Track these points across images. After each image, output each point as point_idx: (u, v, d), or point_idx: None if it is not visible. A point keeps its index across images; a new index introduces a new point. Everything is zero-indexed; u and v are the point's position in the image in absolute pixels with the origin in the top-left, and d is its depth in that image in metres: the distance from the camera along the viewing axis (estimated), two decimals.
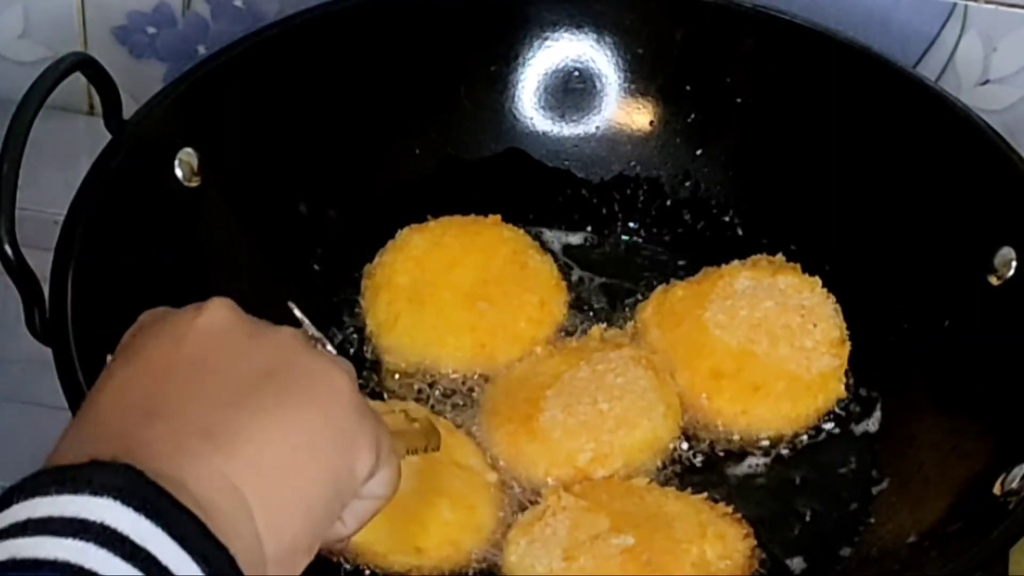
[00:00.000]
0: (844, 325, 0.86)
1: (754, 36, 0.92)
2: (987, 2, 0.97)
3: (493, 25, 0.94)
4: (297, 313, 0.67)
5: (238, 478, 0.52)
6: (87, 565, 0.47)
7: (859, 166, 0.90)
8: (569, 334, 0.88)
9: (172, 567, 0.48)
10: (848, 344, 0.86)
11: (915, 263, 0.87)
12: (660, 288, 0.89)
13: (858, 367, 0.86)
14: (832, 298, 0.87)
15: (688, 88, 0.94)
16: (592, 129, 0.96)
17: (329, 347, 0.65)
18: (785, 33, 0.91)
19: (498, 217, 0.91)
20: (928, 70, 0.98)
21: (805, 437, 0.84)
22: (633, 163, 0.95)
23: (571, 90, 0.95)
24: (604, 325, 0.88)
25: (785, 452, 0.84)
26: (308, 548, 0.55)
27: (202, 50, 1.05)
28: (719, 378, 0.84)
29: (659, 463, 0.82)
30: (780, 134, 0.93)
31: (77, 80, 0.78)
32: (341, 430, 0.56)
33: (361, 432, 0.57)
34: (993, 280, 0.83)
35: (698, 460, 0.83)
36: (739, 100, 0.93)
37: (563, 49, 0.95)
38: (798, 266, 0.88)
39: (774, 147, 0.93)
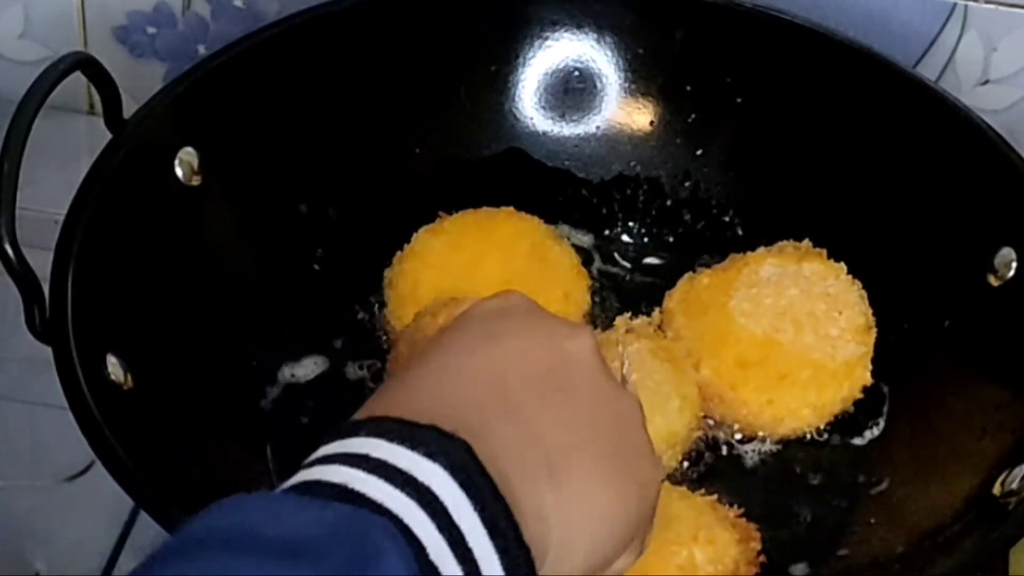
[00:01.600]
0: (870, 312, 0.86)
1: (754, 36, 0.92)
2: (987, 2, 0.97)
3: (493, 25, 0.94)
4: (624, 356, 0.68)
5: (554, 520, 0.54)
6: (407, 522, 0.48)
7: (859, 166, 0.90)
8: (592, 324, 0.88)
9: (476, 551, 0.49)
10: (874, 331, 0.85)
11: (915, 263, 0.87)
12: (686, 276, 0.89)
13: (867, 384, 0.86)
14: (858, 284, 0.86)
15: (688, 88, 0.94)
16: (592, 129, 0.96)
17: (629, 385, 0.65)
18: (785, 33, 0.91)
19: (511, 208, 0.91)
20: (928, 70, 0.98)
21: (808, 436, 0.84)
22: (633, 163, 0.95)
23: (571, 90, 0.95)
24: (629, 314, 0.88)
25: (787, 451, 0.84)
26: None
27: (202, 50, 1.05)
28: (744, 367, 0.84)
29: (680, 457, 0.82)
30: (780, 134, 0.93)
31: (77, 80, 0.78)
32: (637, 521, 0.58)
33: (646, 530, 0.59)
34: (993, 280, 0.83)
35: (714, 455, 0.83)
36: (739, 100, 0.93)
37: (563, 49, 0.95)
38: (823, 252, 0.88)
39: (774, 147, 0.93)
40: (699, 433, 0.83)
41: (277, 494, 0.49)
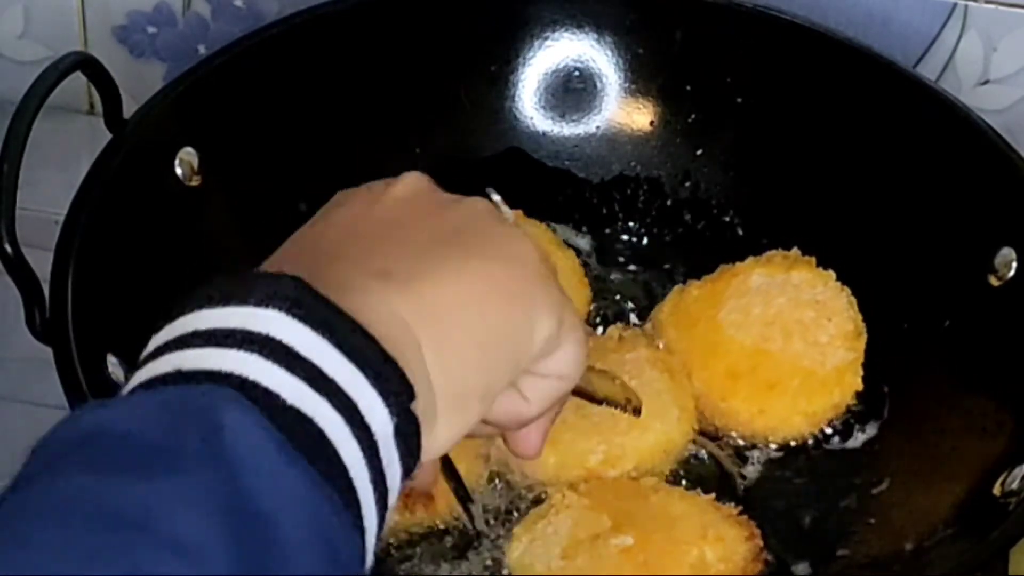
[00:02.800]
0: (859, 318, 0.86)
1: (754, 36, 0.92)
2: (987, 2, 0.97)
3: (493, 25, 0.94)
4: (494, 196, 0.65)
5: (411, 315, 0.51)
6: (251, 376, 0.46)
7: (859, 166, 0.90)
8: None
9: (338, 379, 0.47)
10: (864, 336, 0.85)
11: (915, 263, 0.87)
12: (676, 288, 0.89)
13: (859, 390, 0.86)
14: (847, 291, 0.86)
15: (688, 88, 0.94)
16: (592, 129, 0.96)
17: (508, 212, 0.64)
18: (785, 33, 0.91)
19: (520, 212, 0.91)
20: (928, 70, 0.98)
21: (808, 438, 0.84)
22: (633, 163, 0.95)
23: (571, 90, 0.95)
24: (622, 325, 0.88)
25: (786, 453, 0.84)
26: (481, 395, 0.53)
27: (202, 50, 1.05)
28: (735, 378, 0.84)
29: (672, 465, 0.82)
30: (780, 134, 0.93)
31: (77, 80, 0.78)
32: (522, 287, 0.55)
33: (543, 295, 0.56)
34: (993, 280, 0.83)
35: (710, 462, 0.83)
36: (739, 100, 0.93)
37: (563, 49, 0.95)
38: (812, 260, 0.88)
39: (774, 147, 0.93)
40: (694, 443, 0.83)
41: (107, 403, 0.46)
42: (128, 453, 0.43)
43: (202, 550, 0.41)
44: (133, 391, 0.47)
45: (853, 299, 0.86)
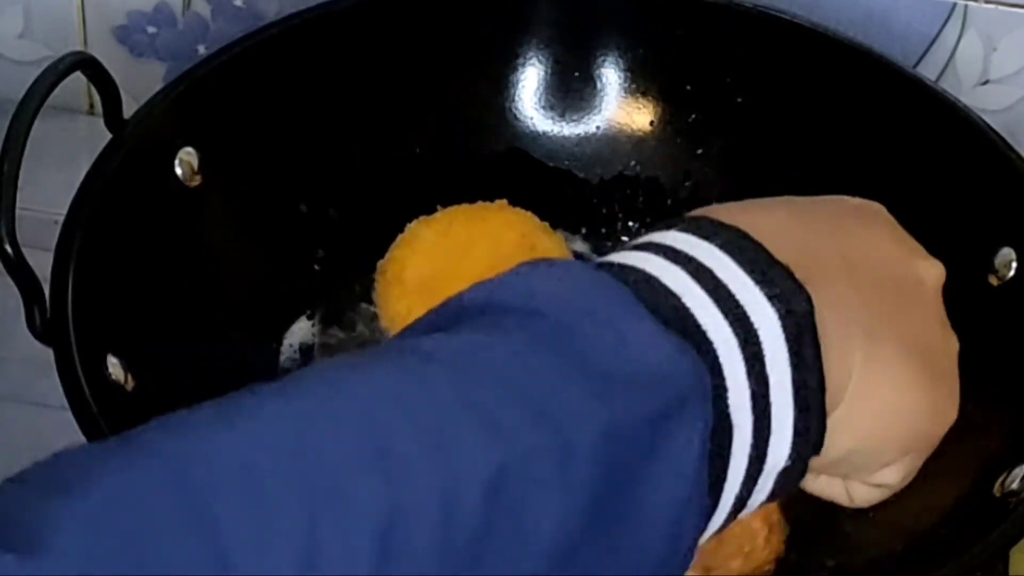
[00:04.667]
0: None
1: (754, 36, 0.92)
2: (987, 2, 0.97)
3: (493, 25, 0.94)
4: None
5: (855, 377, 0.51)
6: (724, 368, 0.47)
7: (859, 166, 0.90)
8: None
9: (775, 408, 0.48)
10: None
11: None
12: None
13: None
14: None
15: (688, 88, 0.94)
16: (592, 129, 0.96)
17: None
18: (785, 33, 0.91)
19: (504, 201, 0.91)
20: (928, 70, 0.98)
21: None
22: (633, 163, 0.95)
23: (571, 90, 0.95)
24: None
25: None
26: (816, 474, 0.55)
27: (202, 50, 1.05)
28: None
29: None
30: (780, 134, 0.93)
31: (77, 80, 0.78)
32: (918, 433, 0.57)
33: (919, 457, 0.58)
34: (993, 280, 0.83)
35: None
36: (739, 100, 0.93)
37: (563, 49, 0.95)
38: None
39: (774, 147, 0.93)
40: None
41: (612, 286, 0.47)
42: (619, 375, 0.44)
43: (577, 473, 0.42)
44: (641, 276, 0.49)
45: None
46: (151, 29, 1.05)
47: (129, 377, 0.75)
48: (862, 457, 0.55)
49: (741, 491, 0.48)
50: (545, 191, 0.95)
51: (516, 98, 0.95)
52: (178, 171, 0.84)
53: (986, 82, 0.99)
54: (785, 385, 0.48)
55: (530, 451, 0.42)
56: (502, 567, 0.41)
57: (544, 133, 0.96)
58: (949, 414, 0.57)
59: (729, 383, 0.47)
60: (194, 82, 0.85)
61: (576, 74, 0.95)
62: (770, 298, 0.48)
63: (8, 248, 0.71)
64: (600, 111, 0.96)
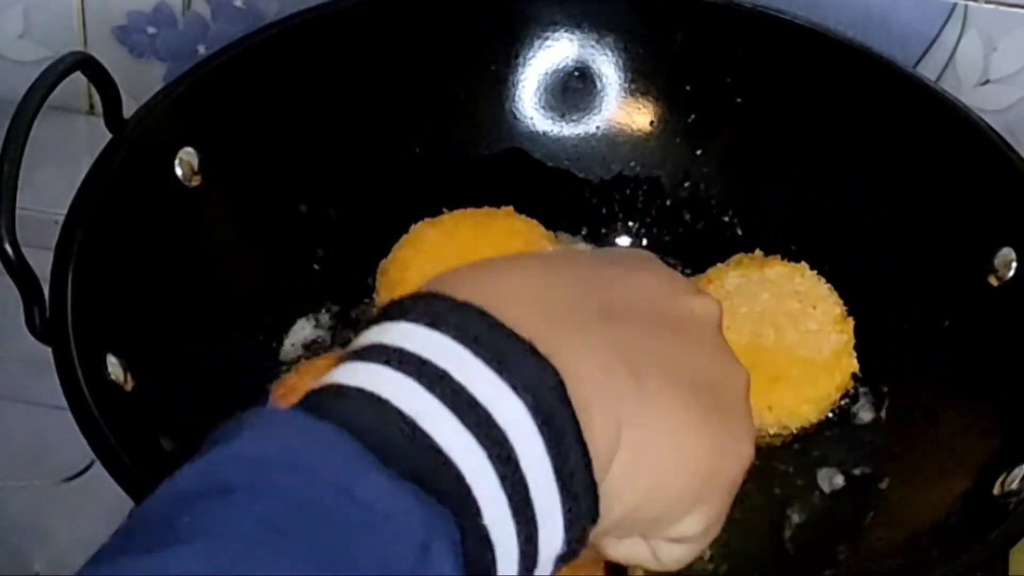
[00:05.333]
0: (842, 302, 0.86)
1: (754, 36, 0.92)
2: (987, 2, 0.97)
3: (493, 25, 0.94)
4: None
5: (625, 440, 0.48)
6: (478, 491, 0.44)
7: (859, 166, 0.90)
8: None
9: (538, 504, 0.45)
10: (851, 320, 0.86)
11: (915, 263, 0.87)
12: None
13: (855, 371, 0.86)
14: (823, 279, 0.87)
15: (688, 88, 0.94)
16: (592, 129, 0.96)
17: None
18: (785, 33, 0.91)
19: (511, 208, 0.91)
20: (928, 70, 0.98)
21: (806, 435, 0.84)
22: (633, 163, 0.95)
23: (571, 90, 0.95)
24: None
25: (784, 451, 0.84)
26: (600, 537, 0.51)
27: (202, 50, 1.05)
28: None
29: None
30: (780, 134, 0.93)
31: (77, 80, 0.78)
32: (706, 483, 0.52)
33: (713, 501, 0.53)
34: (993, 280, 0.83)
35: None
36: (739, 100, 0.93)
37: (563, 49, 0.95)
38: (778, 257, 0.88)
39: (774, 147, 0.93)
40: None
41: (342, 446, 0.43)
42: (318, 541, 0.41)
43: None
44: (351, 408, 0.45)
45: (830, 286, 0.87)
46: (151, 29, 1.05)
47: (129, 377, 0.75)
48: (651, 510, 0.51)
49: None
50: (545, 191, 0.95)
51: (516, 98, 0.95)
52: (178, 171, 0.84)
53: (986, 82, 0.99)
54: (547, 475, 0.45)
55: None
56: None
57: (544, 133, 0.95)
58: (741, 451, 0.54)
59: (482, 502, 0.44)
60: (194, 82, 0.85)
61: (576, 74, 0.95)
62: (514, 388, 0.45)
63: (8, 248, 0.71)
64: (600, 111, 0.96)
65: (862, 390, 0.86)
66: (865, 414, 0.85)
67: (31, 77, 0.76)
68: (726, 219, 0.94)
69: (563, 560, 0.47)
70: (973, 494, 0.75)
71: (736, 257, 0.89)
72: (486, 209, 0.91)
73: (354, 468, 0.42)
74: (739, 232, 0.93)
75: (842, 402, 0.85)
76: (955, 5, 0.97)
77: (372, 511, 0.42)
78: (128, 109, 0.82)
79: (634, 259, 0.57)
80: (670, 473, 0.51)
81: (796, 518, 0.82)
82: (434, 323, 0.46)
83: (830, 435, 0.85)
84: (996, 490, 0.74)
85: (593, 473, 0.46)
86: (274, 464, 0.42)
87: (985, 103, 0.97)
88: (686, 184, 0.95)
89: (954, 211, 0.86)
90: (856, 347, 0.86)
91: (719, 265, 0.89)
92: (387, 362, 0.45)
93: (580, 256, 0.56)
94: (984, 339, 0.83)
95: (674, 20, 0.93)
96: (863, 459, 0.84)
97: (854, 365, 0.85)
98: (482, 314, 0.46)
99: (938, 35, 0.98)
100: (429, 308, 0.47)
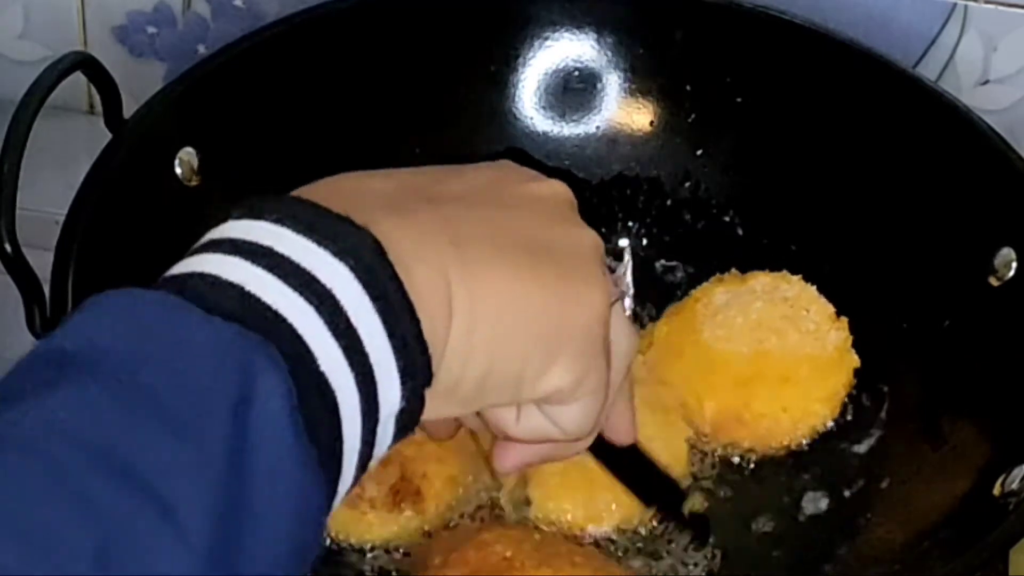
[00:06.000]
0: (830, 304, 0.86)
1: (754, 36, 0.92)
2: (987, 2, 0.97)
3: (493, 25, 0.94)
4: (627, 256, 0.64)
5: (457, 300, 0.51)
6: (303, 334, 0.47)
7: (859, 166, 0.90)
8: None
9: (372, 358, 0.48)
10: (844, 318, 0.86)
11: (915, 263, 0.87)
12: (639, 334, 0.89)
13: (857, 367, 0.86)
14: (808, 284, 0.87)
15: (688, 88, 0.94)
16: (592, 129, 0.96)
17: (628, 302, 0.62)
18: (785, 33, 0.91)
19: None
20: (928, 70, 0.98)
21: (805, 439, 0.84)
22: (633, 163, 0.95)
23: (571, 90, 0.95)
24: None
25: (783, 453, 0.84)
26: (462, 403, 0.54)
27: (202, 50, 1.05)
28: (747, 385, 0.83)
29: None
30: (780, 134, 0.93)
31: (77, 80, 0.78)
32: (559, 334, 0.54)
33: (576, 354, 0.55)
34: (993, 280, 0.83)
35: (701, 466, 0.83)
36: (739, 100, 0.93)
37: (563, 49, 0.95)
38: (761, 271, 0.88)
39: (774, 147, 0.93)
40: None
41: (166, 301, 0.47)
42: (155, 400, 0.43)
43: (186, 522, 0.41)
44: (191, 280, 0.48)
45: (816, 290, 0.87)
46: (151, 29, 1.05)
47: None
48: (506, 369, 0.53)
49: (363, 445, 0.48)
50: None
51: (516, 98, 0.95)
52: (178, 171, 0.84)
53: (986, 82, 0.99)
54: (377, 329, 0.48)
55: (127, 518, 0.41)
56: None
57: (544, 133, 0.96)
58: (586, 299, 0.55)
59: (316, 349, 0.46)
60: (194, 82, 0.85)
61: (576, 74, 0.95)
62: (336, 254, 0.48)
63: (8, 248, 0.71)
64: (600, 111, 0.96)
65: (862, 390, 0.86)
66: (864, 414, 0.85)
67: (31, 77, 0.76)
68: (726, 219, 0.94)
69: (402, 423, 0.49)
70: (973, 494, 0.75)
71: (715, 277, 0.89)
72: None
73: (182, 314, 0.46)
74: (739, 232, 0.93)
75: (842, 402, 0.85)
76: (955, 5, 0.97)
77: (196, 343, 0.45)
78: (128, 109, 0.82)
79: (488, 165, 0.59)
80: (509, 329, 0.53)
81: (796, 518, 0.82)
82: (257, 215, 0.50)
83: (831, 436, 0.85)
84: (996, 490, 0.74)
85: (422, 330, 0.49)
86: (108, 328, 0.45)
87: (985, 103, 0.97)
88: (686, 184, 0.95)
89: (954, 211, 0.86)
90: (856, 347, 0.86)
91: (701, 286, 0.89)
92: (214, 250, 0.50)
93: (429, 167, 0.58)
94: (984, 339, 0.83)
95: (674, 20, 0.93)
96: (863, 459, 0.84)
97: (856, 361, 0.85)
98: (300, 201, 0.51)
99: (938, 35, 0.98)
100: (251, 204, 0.51)
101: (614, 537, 0.79)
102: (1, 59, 1.07)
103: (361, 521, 0.78)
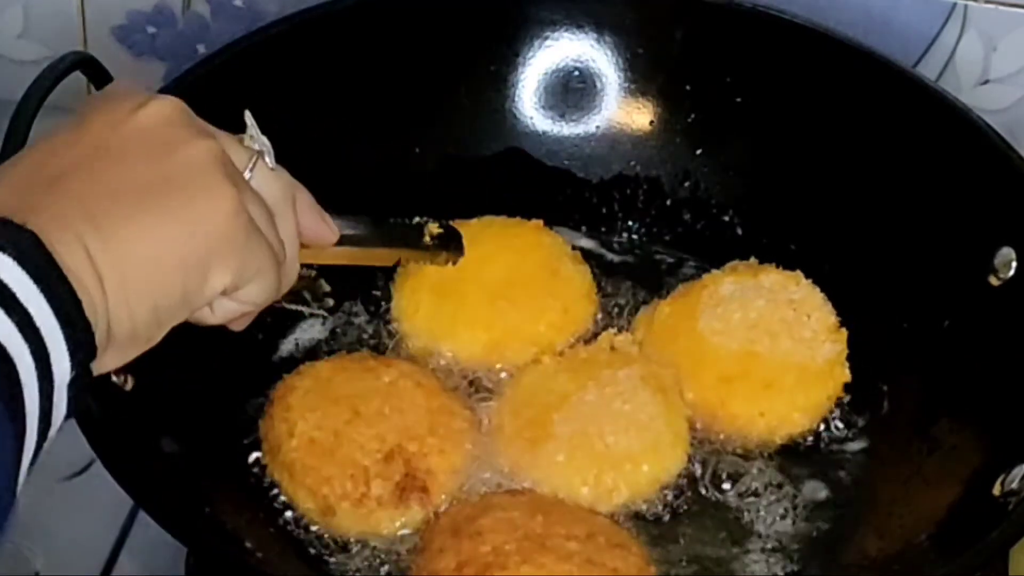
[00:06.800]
0: (835, 312, 0.86)
1: (754, 36, 0.92)
2: (987, 2, 0.97)
3: (493, 25, 0.94)
4: (248, 119, 0.72)
5: (104, 267, 0.57)
6: None
7: (859, 166, 0.90)
8: (586, 342, 0.88)
9: (43, 330, 0.54)
10: (844, 330, 0.86)
11: (915, 263, 0.87)
12: (642, 311, 0.89)
13: (857, 367, 0.86)
14: (817, 288, 0.87)
15: (688, 88, 0.94)
16: (592, 129, 0.96)
17: (268, 159, 0.70)
18: (785, 33, 0.91)
19: (540, 222, 0.91)
20: (928, 70, 0.98)
21: (805, 439, 0.84)
22: (633, 163, 0.95)
23: (571, 90, 0.95)
24: (614, 331, 0.88)
25: (784, 454, 0.84)
26: (147, 339, 0.61)
27: (202, 49, 1.05)
28: (729, 382, 0.84)
29: (664, 492, 0.81)
30: (780, 134, 0.93)
31: (77, 80, 0.78)
32: (202, 250, 0.61)
33: (222, 255, 0.62)
34: (993, 280, 0.83)
35: (699, 485, 0.83)
36: (739, 100, 0.93)
37: (563, 49, 0.95)
38: (773, 265, 0.88)
39: (774, 147, 0.93)
40: (686, 463, 0.83)
41: None
42: None
43: None
44: None
45: (824, 296, 0.87)
46: (151, 29, 1.05)
47: (128, 378, 0.75)
48: (170, 298, 0.61)
49: (41, 411, 0.54)
50: (545, 191, 0.95)
51: (516, 98, 0.95)
52: None
53: (986, 82, 0.99)
54: (45, 310, 0.54)
55: None
56: None
57: (544, 133, 0.96)
58: (215, 208, 0.62)
59: None
60: (194, 82, 0.85)
61: (576, 74, 0.95)
62: (2, 249, 0.54)
63: None
64: (600, 111, 0.96)
65: (862, 389, 0.86)
66: (865, 414, 0.85)
67: (31, 77, 0.76)
68: (726, 219, 0.94)
69: (75, 390, 0.56)
70: (973, 494, 0.75)
71: (731, 264, 0.89)
72: (517, 219, 0.91)
73: None
74: (739, 232, 0.93)
75: (842, 402, 0.85)
76: (955, 5, 0.97)
77: None
78: None
79: (91, 108, 0.64)
80: (155, 266, 0.60)
81: (797, 518, 0.82)
82: None
83: (831, 436, 0.85)
84: (996, 490, 0.74)
85: (84, 308, 0.56)
86: None
87: (985, 103, 0.97)
88: (686, 184, 0.95)
89: (954, 211, 0.86)
90: (856, 347, 0.86)
91: (715, 272, 0.89)
92: None
93: (55, 134, 0.63)
94: (984, 339, 0.83)
95: (674, 20, 0.93)
96: (863, 459, 0.84)
97: (846, 375, 0.85)
98: None
99: (938, 35, 0.98)
100: None
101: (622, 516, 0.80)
102: (1, 59, 1.07)
103: (369, 518, 0.78)
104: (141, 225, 0.59)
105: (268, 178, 0.69)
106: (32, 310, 0.54)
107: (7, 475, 0.54)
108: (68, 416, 0.57)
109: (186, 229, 0.61)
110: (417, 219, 0.86)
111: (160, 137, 0.63)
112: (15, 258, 0.54)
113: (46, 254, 0.56)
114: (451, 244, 0.85)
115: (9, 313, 0.53)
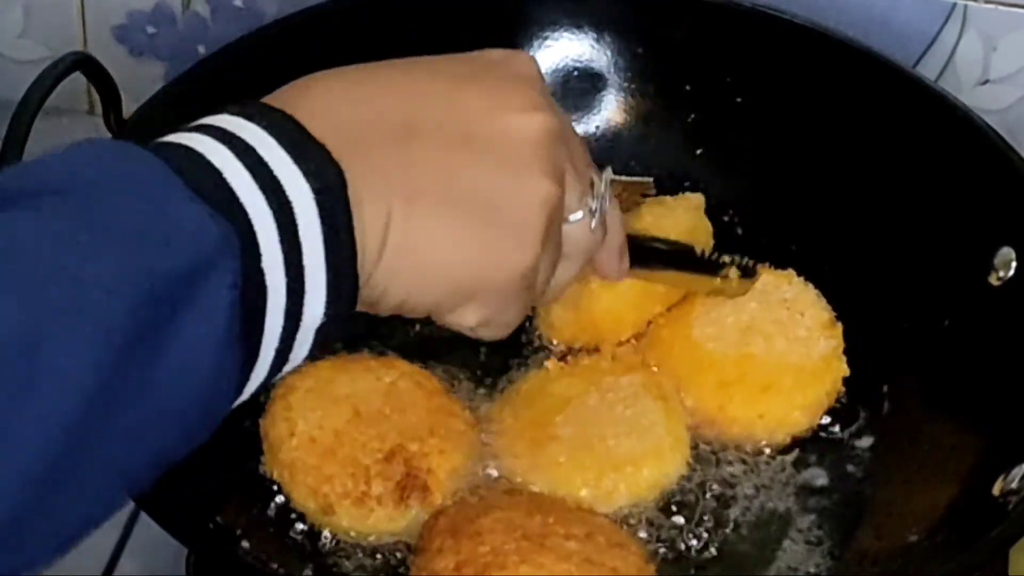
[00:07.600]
0: (830, 307, 0.86)
1: (754, 36, 0.92)
2: (987, 2, 0.97)
3: (493, 25, 0.94)
4: (606, 180, 0.68)
5: (393, 240, 0.57)
6: (257, 232, 0.52)
7: (859, 166, 0.90)
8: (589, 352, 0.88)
9: (308, 271, 0.53)
10: (839, 324, 0.86)
11: (915, 263, 0.87)
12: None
13: (857, 367, 0.86)
14: (810, 285, 0.87)
15: (688, 88, 0.94)
16: (592, 129, 0.96)
17: (595, 221, 0.67)
18: (785, 33, 0.91)
19: None
20: (928, 70, 0.98)
21: (806, 440, 0.84)
22: (633, 163, 0.95)
23: (571, 90, 0.95)
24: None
25: (784, 455, 0.84)
26: (371, 309, 0.60)
27: (202, 50, 1.05)
28: (727, 386, 0.84)
29: (664, 496, 0.81)
30: (780, 134, 0.93)
31: (77, 80, 0.78)
32: (475, 285, 0.61)
33: (485, 300, 0.62)
34: (993, 280, 0.83)
35: (699, 489, 0.83)
36: (739, 100, 0.93)
37: (563, 49, 0.95)
38: (766, 265, 0.88)
39: (774, 147, 0.93)
40: (686, 471, 0.82)
41: (155, 167, 0.52)
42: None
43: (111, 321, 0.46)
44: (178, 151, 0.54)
45: (818, 292, 0.87)
46: (151, 29, 1.05)
47: None
48: (422, 303, 0.61)
49: (281, 344, 0.54)
50: None
51: None
52: None
53: (986, 82, 0.99)
54: (318, 252, 0.53)
55: (63, 312, 0.45)
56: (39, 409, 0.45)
57: None
58: (512, 261, 0.61)
59: (262, 247, 0.52)
60: (194, 82, 0.85)
61: (576, 74, 0.95)
62: (305, 174, 0.53)
63: None
64: (600, 111, 0.96)
65: (862, 390, 0.86)
66: (865, 414, 0.85)
67: (31, 77, 0.76)
68: (726, 219, 0.94)
69: (322, 336, 0.55)
70: (973, 494, 0.75)
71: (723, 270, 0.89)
72: None
73: (162, 185, 0.51)
74: (739, 232, 0.93)
75: (842, 402, 0.85)
76: (955, 5, 0.97)
77: (176, 223, 0.50)
78: (128, 109, 0.82)
79: (474, 68, 0.64)
80: (430, 275, 0.60)
81: (797, 518, 0.82)
82: (251, 117, 0.56)
83: (831, 436, 0.85)
84: (996, 490, 0.74)
85: (357, 263, 0.55)
86: (83, 176, 0.50)
87: (985, 103, 0.97)
88: (686, 184, 0.95)
89: (954, 211, 0.86)
90: (856, 347, 0.86)
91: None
92: (207, 133, 0.55)
93: (411, 68, 0.63)
94: (984, 339, 0.83)
95: (674, 20, 0.93)
96: (863, 459, 0.84)
97: (844, 370, 0.85)
98: (290, 118, 0.56)
99: (938, 35, 0.98)
100: (250, 107, 0.57)
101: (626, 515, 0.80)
102: (1, 59, 1.07)
103: (369, 517, 0.78)
104: (447, 232, 0.59)
105: (583, 233, 0.67)
106: (306, 248, 0.53)
107: (223, 399, 0.52)
108: (306, 357, 0.56)
109: (477, 259, 0.60)
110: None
111: (521, 157, 0.61)
112: (315, 190, 0.53)
113: (344, 199, 0.54)
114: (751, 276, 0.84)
115: (283, 243, 0.52)
